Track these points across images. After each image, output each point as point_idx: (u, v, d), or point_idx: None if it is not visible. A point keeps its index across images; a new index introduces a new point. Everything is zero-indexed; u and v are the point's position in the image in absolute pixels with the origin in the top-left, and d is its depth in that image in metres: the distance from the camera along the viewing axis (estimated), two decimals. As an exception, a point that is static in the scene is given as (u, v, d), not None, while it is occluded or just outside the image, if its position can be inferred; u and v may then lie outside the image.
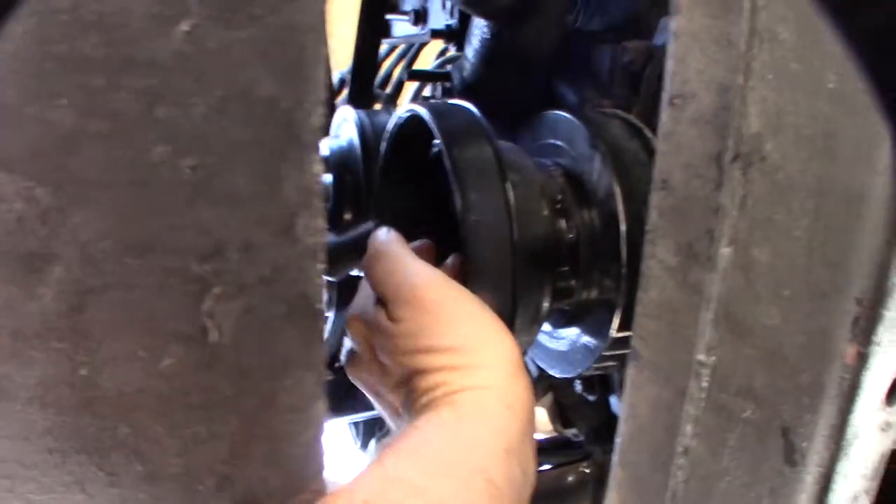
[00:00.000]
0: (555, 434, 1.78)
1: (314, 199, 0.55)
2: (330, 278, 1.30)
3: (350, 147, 1.29)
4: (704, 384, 0.74)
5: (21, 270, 0.49)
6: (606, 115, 1.07)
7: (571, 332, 1.09)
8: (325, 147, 1.32)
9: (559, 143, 1.08)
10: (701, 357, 0.73)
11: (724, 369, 0.72)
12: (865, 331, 0.62)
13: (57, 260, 0.49)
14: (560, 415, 1.64)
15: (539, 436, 1.86)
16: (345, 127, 1.33)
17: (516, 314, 0.90)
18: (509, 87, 1.23)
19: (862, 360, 0.63)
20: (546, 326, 1.13)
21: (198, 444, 0.57)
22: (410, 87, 1.88)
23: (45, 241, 0.49)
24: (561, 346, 1.13)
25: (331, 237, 1.25)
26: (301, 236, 0.55)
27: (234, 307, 0.55)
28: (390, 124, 1.09)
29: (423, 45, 1.76)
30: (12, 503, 0.53)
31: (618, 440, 0.85)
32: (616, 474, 0.86)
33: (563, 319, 1.08)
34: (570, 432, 1.75)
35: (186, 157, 0.50)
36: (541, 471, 1.97)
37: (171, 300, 0.53)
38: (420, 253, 0.88)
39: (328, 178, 1.29)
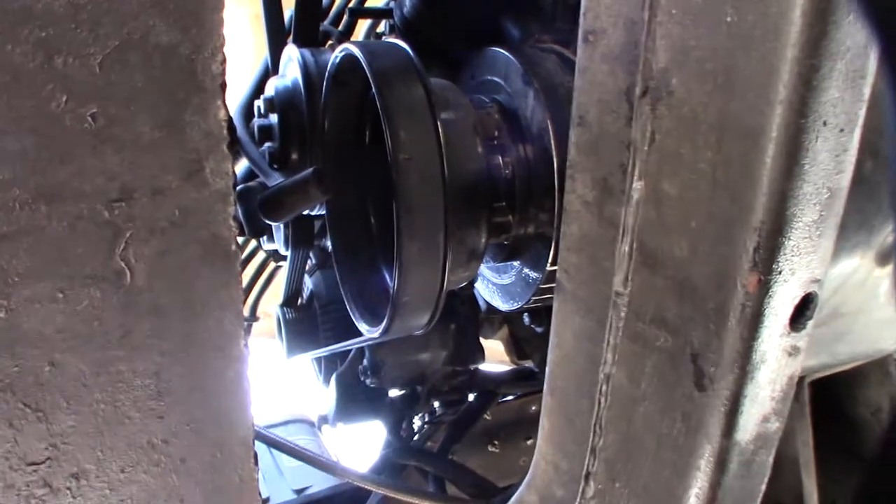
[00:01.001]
0: (516, 366, 1.83)
1: (220, 143, 0.56)
2: (274, 222, 1.32)
3: (294, 86, 1.29)
4: (622, 314, 0.77)
5: (-70, 219, 0.51)
6: (543, 50, 1.08)
7: (512, 267, 1.12)
8: (271, 87, 1.32)
9: (496, 79, 1.09)
10: (619, 288, 0.76)
11: (639, 299, 0.75)
12: (765, 259, 0.65)
13: (-34, 208, 0.51)
14: (515, 347, 1.68)
15: (503, 367, 1.91)
16: (290, 66, 1.33)
17: (448, 250, 0.92)
18: (447, 23, 1.23)
19: (763, 287, 0.66)
20: (488, 261, 1.15)
21: (122, 381, 0.60)
22: (364, 25, 1.87)
23: (-48, 190, 0.50)
24: (504, 280, 1.16)
25: (278, 179, 1.26)
26: (210, 180, 0.57)
27: (147, 250, 0.56)
28: (329, 64, 1.09)
29: (374, -20, 1.74)
30: (-60, 441, 0.56)
31: (547, 369, 0.89)
32: (546, 402, 0.90)
33: (502, 254, 1.11)
34: (528, 364, 1.80)
35: (87, 105, 0.51)
36: (504, 401, 2.03)
37: (85, 244, 0.55)
38: None
39: (273, 118, 1.30)
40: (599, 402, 0.81)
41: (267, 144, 1.32)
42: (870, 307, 0.94)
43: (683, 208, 0.69)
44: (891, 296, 0.97)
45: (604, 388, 0.80)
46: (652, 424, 0.77)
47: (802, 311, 0.71)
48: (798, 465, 1.33)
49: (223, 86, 0.55)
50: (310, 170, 1.03)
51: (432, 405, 1.90)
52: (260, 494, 0.71)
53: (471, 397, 1.94)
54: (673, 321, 0.72)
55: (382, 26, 1.82)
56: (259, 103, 1.33)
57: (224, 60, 0.54)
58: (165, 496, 0.65)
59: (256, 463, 0.69)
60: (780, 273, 0.66)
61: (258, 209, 1.09)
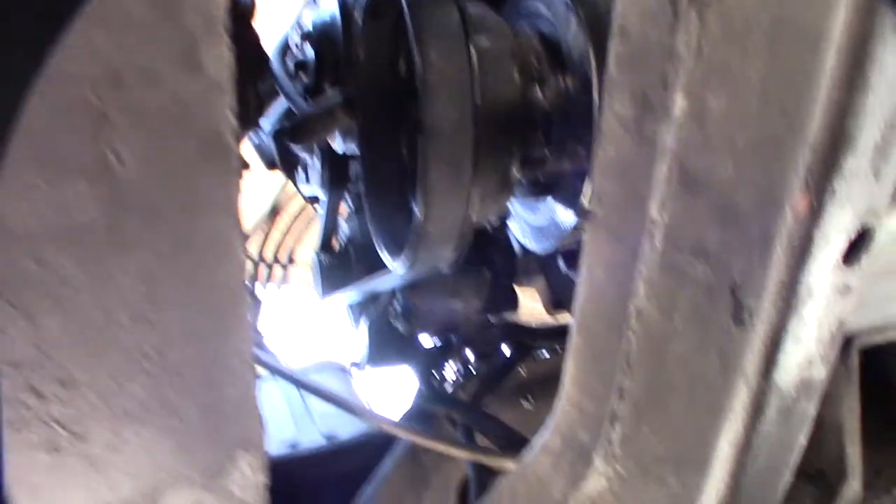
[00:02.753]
0: (553, 319, 1.78)
1: (218, 26, 0.52)
2: (302, 144, 1.29)
3: (332, 19, 1.25)
4: (657, 243, 0.71)
5: None
6: (588, -25, 1.02)
7: (548, 205, 1.07)
8: (308, 19, 1.28)
9: (539, 6, 1.03)
10: (654, 214, 0.71)
11: (677, 227, 0.70)
12: (819, 180, 0.59)
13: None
14: (551, 297, 1.63)
15: (540, 322, 1.87)
16: (326, -4, 1.28)
17: (477, 179, 0.88)
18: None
19: (814, 212, 0.60)
20: (522, 198, 1.10)
21: (111, 282, 0.56)
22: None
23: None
24: (539, 220, 1.11)
25: (305, 107, 1.23)
26: (206, 67, 0.52)
27: (136, 140, 0.52)
28: (364, -13, 1.05)
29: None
30: (-78, 337, 0.53)
31: (575, 307, 0.84)
32: (573, 341, 0.85)
33: (537, 189, 1.05)
34: (563, 317, 1.75)
35: (72, -27, 0.47)
36: (541, 359, 1.99)
37: (70, 131, 0.51)
38: None
39: (310, 50, 1.26)
40: (629, 339, 0.76)
41: (302, 78, 1.29)
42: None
43: (730, 125, 0.63)
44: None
45: (634, 323, 0.75)
46: (685, 362, 0.72)
47: (858, 246, 0.65)
48: (842, 433, 1.27)
49: (220, -40, 0.51)
50: (338, 95, 0.99)
51: (465, 355, 1.87)
52: (261, 415, 0.67)
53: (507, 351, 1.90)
54: (713, 250, 0.67)
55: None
56: (295, 36, 1.29)
57: (222, -70, 0.50)
58: (159, 408, 0.62)
59: (256, 379, 0.65)
60: (833, 195, 0.60)
61: (288, 136, 1.06)
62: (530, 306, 1.74)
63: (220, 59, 0.52)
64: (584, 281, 0.80)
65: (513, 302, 1.60)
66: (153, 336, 0.59)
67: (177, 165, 0.54)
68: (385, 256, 1.09)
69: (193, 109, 0.53)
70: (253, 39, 1.03)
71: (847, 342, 0.96)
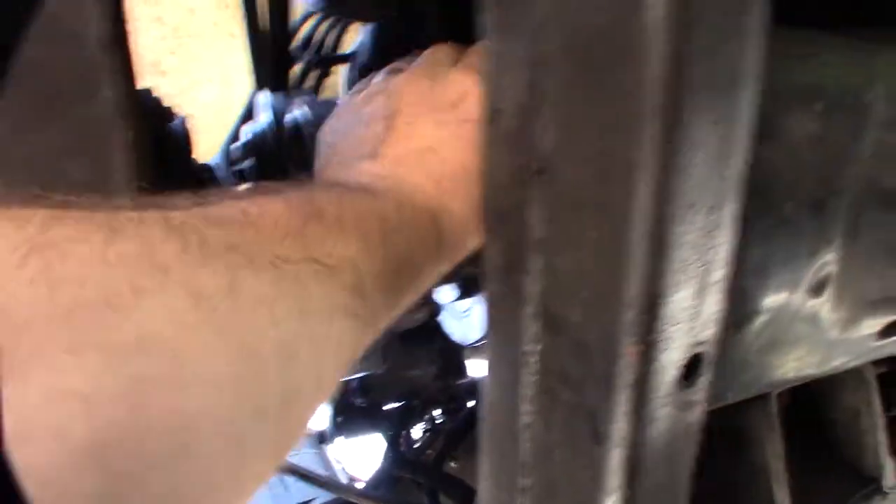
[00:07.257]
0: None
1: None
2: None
3: (264, 131, 1.36)
4: (533, 370, 0.83)
5: None
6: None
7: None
8: (246, 132, 1.39)
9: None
10: (526, 347, 0.83)
11: (547, 357, 0.82)
12: (641, 332, 0.71)
13: None
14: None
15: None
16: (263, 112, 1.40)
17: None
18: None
19: (643, 356, 0.72)
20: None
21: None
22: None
23: None
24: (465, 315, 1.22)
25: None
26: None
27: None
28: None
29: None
30: None
31: (482, 414, 0.96)
32: (484, 442, 0.97)
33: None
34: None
35: None
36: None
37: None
38: None
39: (249, 161, 1.37)
40: (524, 447, 0.88)
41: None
42: (810, 333, 0.99)
43: (574, 280, 0.75)
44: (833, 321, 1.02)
45: (525, 434, 0.87)
46: (565, 468, 0.84)
47: (693, 371, 0.77)
48: (769, 475, 1.39)
49: None
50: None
51: (431, 413, 1.97)
52: None
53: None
54: (574, 378, 0.79)
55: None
56: (234, 148, 1.41)
57: None
58: None
59: None
60: (657, 343, 0.72)
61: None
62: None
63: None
64: (485, 396, 0.93)
65: (462, 369, 1.70)
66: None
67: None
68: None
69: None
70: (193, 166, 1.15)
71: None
